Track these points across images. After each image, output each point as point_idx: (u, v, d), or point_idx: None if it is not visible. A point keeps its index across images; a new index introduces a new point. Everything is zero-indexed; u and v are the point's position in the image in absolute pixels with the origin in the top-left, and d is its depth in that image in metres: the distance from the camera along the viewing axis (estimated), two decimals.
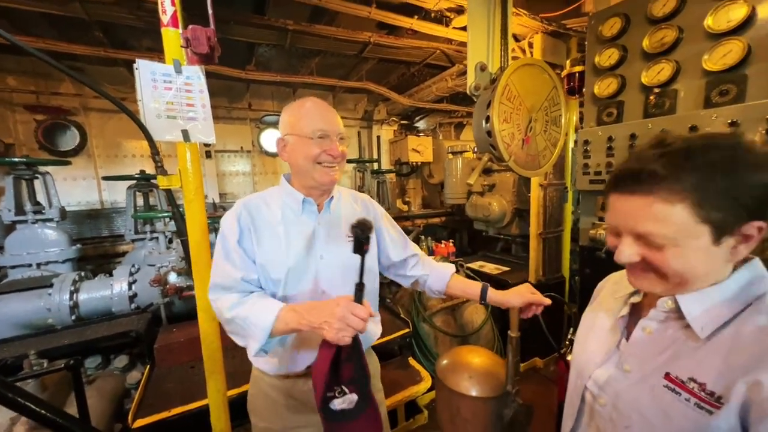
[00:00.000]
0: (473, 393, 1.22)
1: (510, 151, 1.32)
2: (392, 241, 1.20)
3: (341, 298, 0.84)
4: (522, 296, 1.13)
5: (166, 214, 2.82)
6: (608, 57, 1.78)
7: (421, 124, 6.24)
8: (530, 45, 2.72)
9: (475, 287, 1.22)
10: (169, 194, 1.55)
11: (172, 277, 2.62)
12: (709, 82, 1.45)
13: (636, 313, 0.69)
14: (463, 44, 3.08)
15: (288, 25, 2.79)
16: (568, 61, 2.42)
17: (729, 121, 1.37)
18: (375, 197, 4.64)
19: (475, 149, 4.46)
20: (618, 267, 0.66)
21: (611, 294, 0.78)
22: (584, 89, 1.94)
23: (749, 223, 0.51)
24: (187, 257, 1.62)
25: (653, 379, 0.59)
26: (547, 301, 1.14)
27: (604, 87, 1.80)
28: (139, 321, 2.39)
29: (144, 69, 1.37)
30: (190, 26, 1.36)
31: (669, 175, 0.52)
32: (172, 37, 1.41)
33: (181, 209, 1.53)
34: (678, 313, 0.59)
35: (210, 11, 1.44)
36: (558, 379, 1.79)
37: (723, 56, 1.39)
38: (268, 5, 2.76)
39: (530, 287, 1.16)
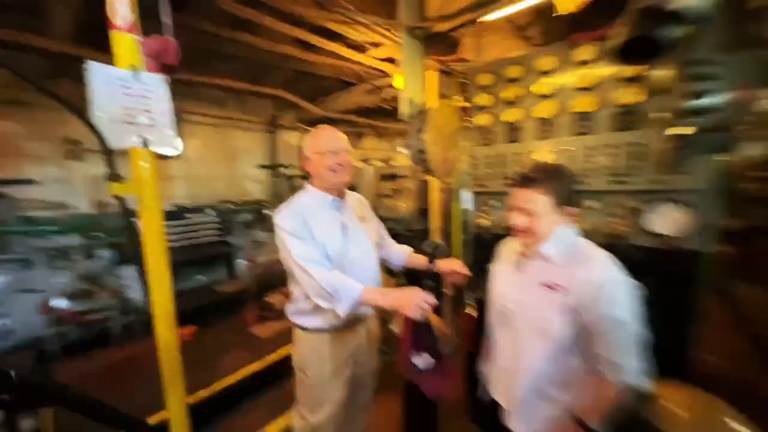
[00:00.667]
0: None
1: (436, 164, 1.86)
2: (379, 227, 1.72)
3: (416, 290, 1.26)
4: (450, 264, 1.66)
5: (49, 229, 2.31)
6: (483, 99, 2.56)
7: None
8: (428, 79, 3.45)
9: (424, 259, 1.70)
10: (123, 203, 1.47)
11: (62, 303, 2.22)
12: (540, 124, 2.34)
13: (521, 260, 1.27)
14: (374, 68, 3.60)
15: (205, 27, 2.72)
16: (459, 97, 3.22)
17: (549, 149, 2.25)
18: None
19: (381, 158, 5.12)
20: (492, 246, 1.23)
21: (505, 253, 1.37)
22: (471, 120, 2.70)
23: (569, 207, 1.11)
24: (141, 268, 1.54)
25: (536, 286, 1.15)
26: (461, 266, 1.67)
27: (482, 120, 2.57)
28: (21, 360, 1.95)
29: (97, 72, 1.32)
30: (158, 37, 1.39)
31: (539, 180, 1.08)
32: (127, 43, 1.40)
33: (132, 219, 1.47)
34: (542, 255, 1.17)
35: (166, 21, 1.49)
36: (466, 328, 2.45)
37: (546, 109, 2.28)
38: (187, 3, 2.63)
39: (457, 261, 1.69)
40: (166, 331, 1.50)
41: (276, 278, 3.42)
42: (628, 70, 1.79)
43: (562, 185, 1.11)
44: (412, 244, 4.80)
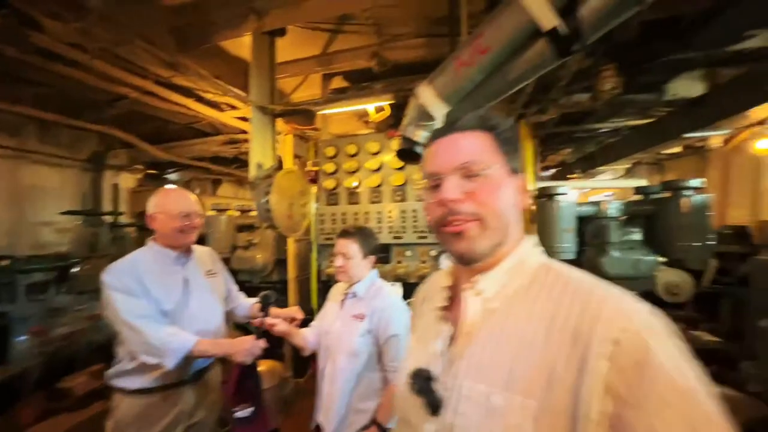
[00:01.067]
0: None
1: (281, 221, 2.12)
2: (228, 280, 1.81)
3: (248, 337, 1.39)
4: (287, 312, 1.87)
5: None
6: (329, 167, 3.08)
7: (173, 176, 5.90)
8: (284, 141, 3.82)
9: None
10: None
11: None
12: (371, 191, 2.98)
13: (344, 299, 1.62)
14: (229, 126, 3.72)
15: (5, 51, 2.28)
16: (309, 162, 3.68)
17: (378, 211, 2.89)
18: (114, 252, 3.90)
19: (238, 207, 4.98)
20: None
21: (333, 295, 1.70)
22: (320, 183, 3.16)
23: (371, 256, 1.56)
24: None
25: (349, 318, 1.50)
26: (299, 312, 1.91)
27: (329, 184, 3.06)
28: None
29: None
30: None
31: (353, 234, 1.51)
32: None
33: None
34: (354, 293, 1.55)
35: None
36: (313, 372, 2.60)
37: (374, 180, 2.96)
38: None
39: (295, 308, 1.92)
40: None
41: (80, 354, 2.69)
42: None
43: (368, 240, 1.56)
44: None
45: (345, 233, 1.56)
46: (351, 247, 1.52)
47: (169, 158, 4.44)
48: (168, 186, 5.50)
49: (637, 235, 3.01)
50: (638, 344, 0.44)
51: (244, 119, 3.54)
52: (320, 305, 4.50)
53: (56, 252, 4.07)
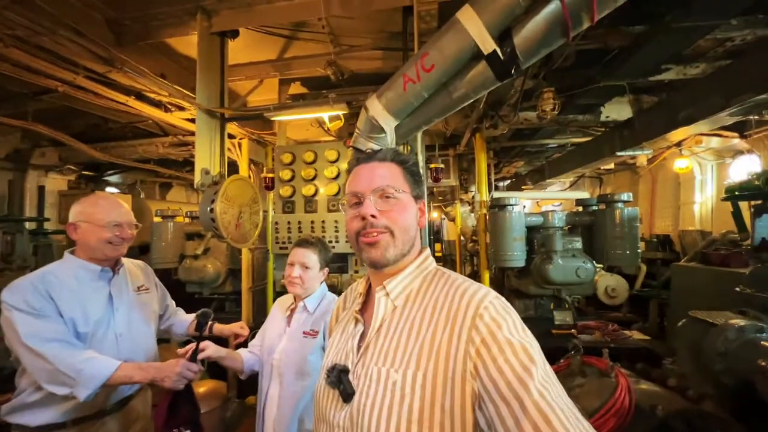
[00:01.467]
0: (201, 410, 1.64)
1: (228, 231, 2.01)
2: (164, 296, 1.66)
3: (177, 360, 1.25)
4: (230, 328, 1.77)
5: None
6: (286, 174, 2.99)
7: (114, 178, 5.39)
8: (239, 146, 3.66)
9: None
10: None
11: None
12: (329, 199, 2.93)
13: (291, 314, 1.56)
14: (178, 127, 3.49)
15: None
16: (265, 168, 3.54)
17: (335, 220, 2.85)
18: (33, 264, 3.44)
19: (188, 213, 4.65)
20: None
21: (276, 310, 1.63)
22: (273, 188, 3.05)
23: (326, 268, 1.51)
24: None
25: (299, 336, 1.43)
26: (243, 329, 1.81)
27: (285, 191, 2.97)
28: None
29: None
30: None
31: (314, 244, 1.46)
32: None
33: None
34: (304, 307, 1.49)
35: None
36: None
37: (332, 188, 2.91)
38: None
39: (239, 324, 1.81)
40: None
41: None
42: None
43: (326, 251, 1.52)
44: (222, 307, 4.43)
45: (305, 243, 1.50)
46: (310, 258, 1.46)
47: (107, 159, 4.05)
48: (98, 191, 5.00)
49: (578, 244, 3.25)
50: (491, 316, 0.61)
51: (193, 121, 3.33)
52: None
53: None
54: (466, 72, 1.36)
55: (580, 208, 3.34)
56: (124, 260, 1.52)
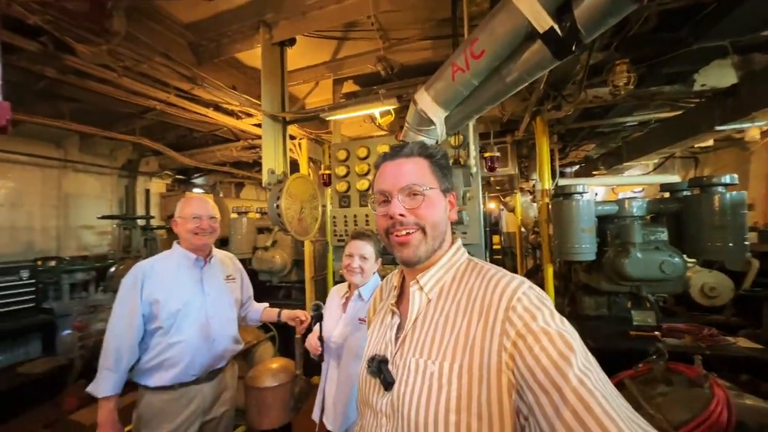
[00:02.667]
0: (272, 384, 1.86)
1: (291, 225, 2.21)
2: (247, 286, 1.89)
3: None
4: (294, 313, 1.94)
5: None
6: (341, 170, 3.15)
7: (199, 180, 6.22)
8: (299, 146, 3.94)
9: (275, 312, 1.93)
10: None
11: None
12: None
13: (346, 302, 1.67)
14: (247, 132, 3.88)
15: (46, 72, 2.52)
16: (323, 165, 3.76)
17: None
18: (145, 255, 4.19)
19: (258, 209, 5.18)
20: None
21: (332, 297, 1.75)
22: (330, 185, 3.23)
23: (380, 258, 1.59)
24: None
25: (355, 321, 1.53)
26: (305, 315, 1.98)
27: (341, 187, 3.13)
28: None
29: None
30: None
31: (370, 236, 1.56)
32: None
33: None
34: (359, 296, 1.59)
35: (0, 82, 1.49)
36: None
37: None
38: None
39: (302, 311, 1.98)
40: None
41: None
42: None
43: (379, 242, 1.60)
44: (289, 294, 4.86)
45: (361, 235, 1.60)
46: (367, 249, 1.56)
47: (194, 164, 4.69)
48: (192, 191, 5.84)
49: (663, 235, 2.84)
50: (524, 307, 0.60)
51: (260, 125, 3.68)
52: None
53: (96, 253, 4.44)
54: (519, 54, 1.28)
55: (666, 194, 2.90)
56: (218, 252, 1.78)
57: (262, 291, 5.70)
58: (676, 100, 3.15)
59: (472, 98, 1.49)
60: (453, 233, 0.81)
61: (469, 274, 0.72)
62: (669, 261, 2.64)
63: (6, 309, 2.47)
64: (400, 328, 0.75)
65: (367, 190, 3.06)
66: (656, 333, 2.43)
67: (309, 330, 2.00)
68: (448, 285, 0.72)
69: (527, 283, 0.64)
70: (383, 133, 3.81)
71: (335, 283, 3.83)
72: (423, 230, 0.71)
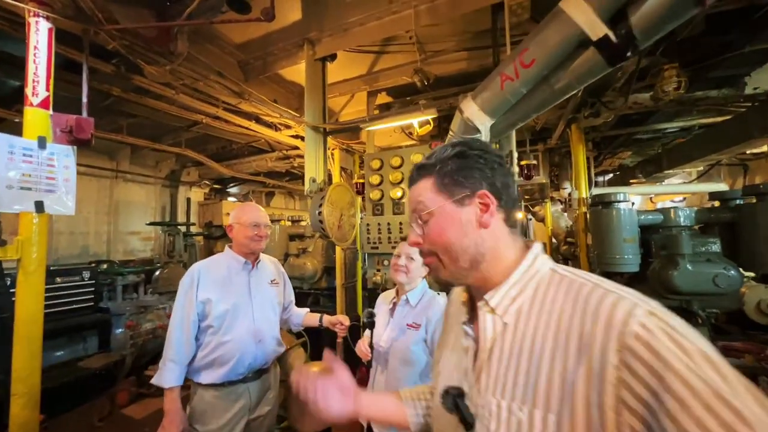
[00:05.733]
0: None
1: (332, 231, 2.28)
2: (289, 291, 1.95)
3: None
4: (336, 318, 1.98)
5: None
6: (375, 179, 3.22)
7: (233, 190, 6.53)
8: (332, 156, 4.07)
9: (316, 317, 1.99)
10: None
11: None
12: None
13: (393, 307, 1.69)
14: (282, 143, 4.07)
15: (112, 91, 2.78)
16: (355, 174, 3.86)
17: None
18: (187, 260, 4.42)
19: (290, 218, 5.36)
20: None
21: (380, 302, 1.78)
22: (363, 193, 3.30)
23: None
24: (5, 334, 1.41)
25: (402, 327, 1.55)
26: (347, 319, 2.02)
27: (374, 195, 3.19)
28: None
29: (1, 142, 1.39)
30: (75, 116, 1.55)
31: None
32: (40, 117, 1.52)
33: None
34: (407, 301, 1.60)
35: (85, 100, 1.67)
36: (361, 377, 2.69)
37: None
38: None
39: (343, 316, 2.03)
40: (29, 413, 1.36)
41: (162, 347, 3.09)
42: None
43: None
44: (317, 301, 4.94)
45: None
46: (415, 250, 1.58)
47: (231, 174, 4.94)
48: (227, 200, 6.16)
49: (715, 246, 2.67)
50: (647, 347, 0.43)
51: (296, 137, 3.84)
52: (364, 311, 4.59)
53: (142, 258, 4.73)
54: (570, 62, 1.30)
55: (716, 203, 2.75)
56: (263, 256, 1.87)
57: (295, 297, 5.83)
58: (725, 104, 3.01)
59: (518, 106, 1.51)
60: (527, 237, 0.74)
61: (554, 290, 0.57)
62: (724, 274, 2.48)
63: (70, 307, 2.70)
64: (475, 355, 0.63)
65: (401, 198, 3.11)
66: None
67: (353, 335, 2.05)
68: (528, 305, 0.58)
69: (643, 305, 0.48)
70: (412, 142, 3.88)
71: (365, 289, 3.87)
72: (437, 256, 0.63)
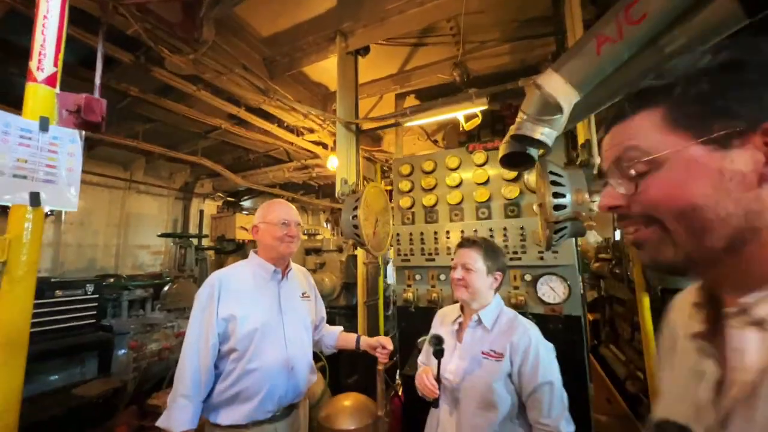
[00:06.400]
0: (352, 426, 1.55)
1: (368, 238, 1.99)
2: (321, 307, 1.66)
3: None
4: (377, 340, 1.65)
5: None
6: (405, 185, 2.95)
7: (247, 203, 6.34)
8: None
9: (352, 337, 1.66)
10: None
11: None
12: (451, 209, 2.76)
13: (460, 329, 1.36)
14: (305, 149, 3.87)
15: (130, 91, 2.63)
16: (382, 181, 3.61)
17: (460, 230, 2.65)
18: (198, 275, 4.16)
19: (306, 231, 5.10)
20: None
21: (441, 323, 1.45)
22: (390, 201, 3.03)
23: (497, 272, 1.30)
24: None
25: (477, 355, 1.22)
26: (389, 342, 1.69)
27: (405, 202, 2.91)
28: None
29: None
30: (84, 95, 1.33)
31: (479, 244, 1.28)
32: (44, 94, 1.29)
33: None
34: (479, 322, 1.28)
35: (98, 81, 1.46)
36: (393, 411, 2.31)
37: (455, 197, 2.74)
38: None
39: (385, 337, 1.70)
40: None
41: (168, 371, 2.76)
42: (510, 173, 2.35)
43: (494, 253, 1.31)
44: (332, 321, 4.60)
45: (466, 242, 1.32)
46: (471, 257, 1.27)
47: (246, 185, 4.75)
48: (241, 213, 5.97)
49: None
50: None
51: (317, 143, 3.64)
52: (387, 332, 4.19)
53: (151, 272, 4.47)
54: (692, 15, 1.04)
55: None
56: (293, 265, 1.58)
57: None
58: None
59: (608, 80, 1.25)
60: None
61: None
62: None
63: (69, 324, 2.41)
64: (719, 384, 0.44)
65: (434, 205, 2.83)
66: None
67: (393, 362, 1.70)
68: None
69: None
70: (438, 149, 3.65)
71: (395, 307, 3.51)
72: (662, 225, 0.44)
